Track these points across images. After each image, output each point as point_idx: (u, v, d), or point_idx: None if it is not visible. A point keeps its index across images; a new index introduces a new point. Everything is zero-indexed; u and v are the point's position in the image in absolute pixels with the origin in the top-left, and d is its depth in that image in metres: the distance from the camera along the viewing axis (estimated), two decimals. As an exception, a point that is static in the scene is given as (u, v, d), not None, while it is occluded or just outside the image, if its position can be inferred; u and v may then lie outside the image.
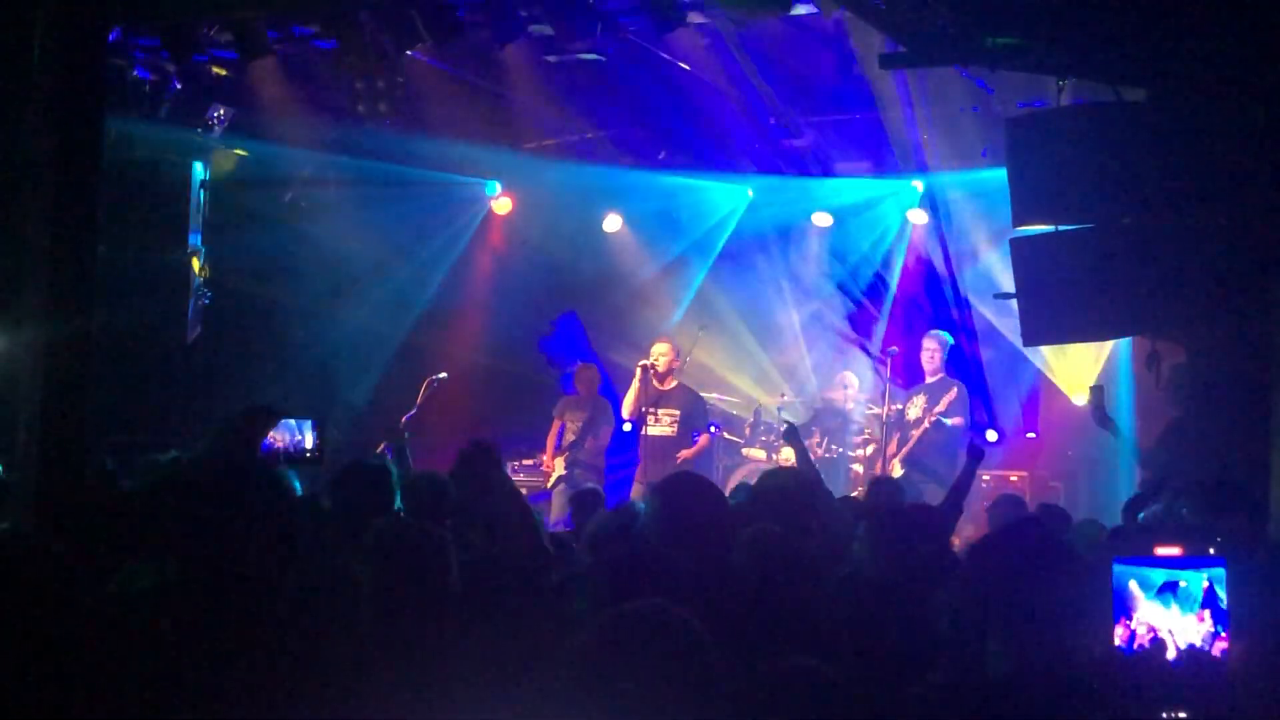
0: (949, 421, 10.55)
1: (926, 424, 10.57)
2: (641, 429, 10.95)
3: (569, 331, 13.47)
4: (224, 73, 9.82)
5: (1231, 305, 6.83)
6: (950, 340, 11.26)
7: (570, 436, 11.43)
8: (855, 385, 12.11)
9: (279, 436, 4.55)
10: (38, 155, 3.74)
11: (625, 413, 11.20)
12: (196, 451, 3.31)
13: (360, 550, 3.61)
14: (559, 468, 11.33)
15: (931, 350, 11.02)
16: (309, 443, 4.65)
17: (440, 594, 3.41)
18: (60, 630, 2.78)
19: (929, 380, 10.96)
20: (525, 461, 11.83)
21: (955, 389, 10.73)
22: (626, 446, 11.52)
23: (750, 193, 12.87)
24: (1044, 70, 7.64)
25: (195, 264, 8.91)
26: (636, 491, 10.73)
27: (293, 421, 4.84)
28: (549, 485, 11.28)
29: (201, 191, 8.95)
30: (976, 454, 6.99)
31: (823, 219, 13.01)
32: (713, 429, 11.58)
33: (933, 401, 10.69)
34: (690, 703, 2.28)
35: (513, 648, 3.56)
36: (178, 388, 9.92)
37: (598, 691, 2.29)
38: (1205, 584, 3.12)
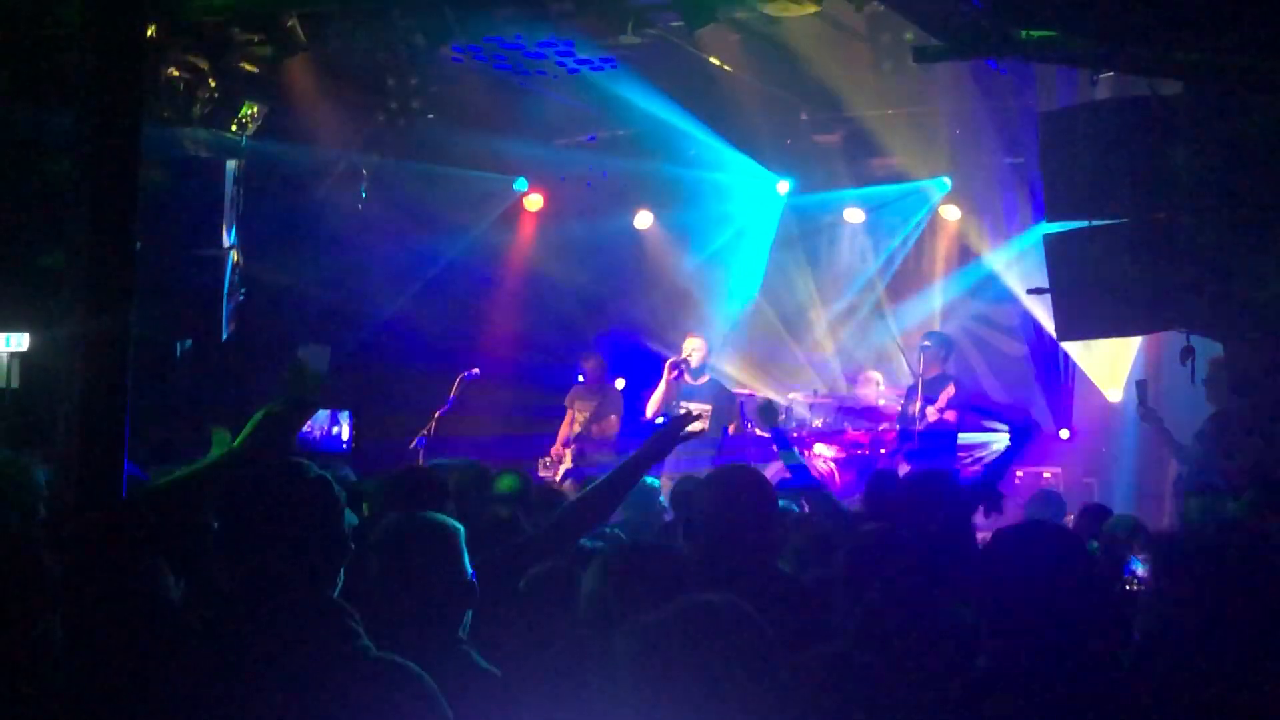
0: (946, 415, 10.44)
1: (926, 421, 10.47)
2: (671, 423, 10.88)
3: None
4: (257, 70, 9.87)
5: (1266, 299, 6.79)
6: (946, 339, 11.17)
7: (577, 428, 11.37)
8: (881, 381, 12.06)
9: (315, 428, 4.55)
10: (76, 153, 3.77)
11: (650, 409, 11.08)
12: (235, 445, 3.30)
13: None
14: (567, 459, 11.27)
15: (929, 348, 10.89)
16: (345, 434, 4.64)
17: (450, 586, 3.37)
18: (89, 630, 2.81)
19: (926, 378, 10.82)
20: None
21: (951, 385, 10.62)
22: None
23: (781, 188, 12.84)
24: (1077, 64, 7.60)
25: (230, 260, 8.94)
26: (665, 485, 10.68)
27: (325, 413, 4.83)
28: (557, 478, 11.21)
29: (236, 188, 8.99)
30: (995, 503, 5.75)
31: (854, 214, 13.00)
32: (746, 425, 11.54)
33: (927, 401, 10.59)
34: (747, 697, 2.31)
35: (530, 640, 3.56)
36: (214, 383, 9.97)
37: (654, 678, 2.32)
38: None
